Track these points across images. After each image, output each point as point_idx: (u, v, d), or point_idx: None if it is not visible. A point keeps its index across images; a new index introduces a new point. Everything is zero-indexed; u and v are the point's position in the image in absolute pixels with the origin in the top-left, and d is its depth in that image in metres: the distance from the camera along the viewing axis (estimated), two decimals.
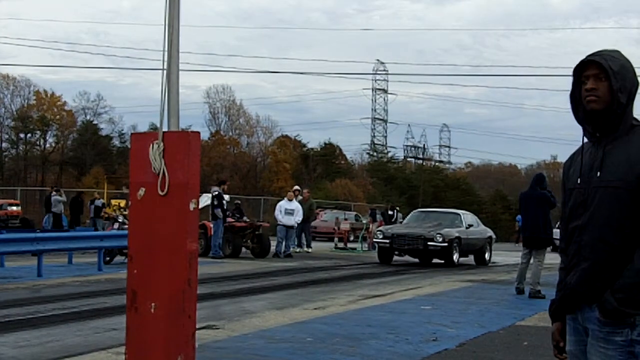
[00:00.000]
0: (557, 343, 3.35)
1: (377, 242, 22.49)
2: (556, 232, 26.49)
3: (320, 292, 13.94)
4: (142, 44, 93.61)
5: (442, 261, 21.75)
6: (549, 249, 15.00)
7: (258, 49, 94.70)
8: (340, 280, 16.54)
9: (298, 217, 24.15)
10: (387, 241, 21.83)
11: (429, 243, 21.16)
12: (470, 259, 23.73)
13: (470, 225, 22.94)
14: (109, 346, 8.00)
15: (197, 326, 5.32)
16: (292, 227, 23.81)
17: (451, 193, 67.83)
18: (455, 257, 21.72)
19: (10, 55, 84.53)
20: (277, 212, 24.11)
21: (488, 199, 73.08)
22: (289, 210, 23.88)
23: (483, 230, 24.24)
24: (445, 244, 21.14)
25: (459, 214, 23.81)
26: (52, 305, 11.42)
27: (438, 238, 21.14)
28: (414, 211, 25.91)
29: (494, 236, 24.65)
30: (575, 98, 3.23)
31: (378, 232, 22.65)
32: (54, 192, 30.62)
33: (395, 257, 22.73)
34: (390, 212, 36.26)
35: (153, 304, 5.25)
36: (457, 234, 21.81)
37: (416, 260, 22.59)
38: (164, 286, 5.22)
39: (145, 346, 5.30)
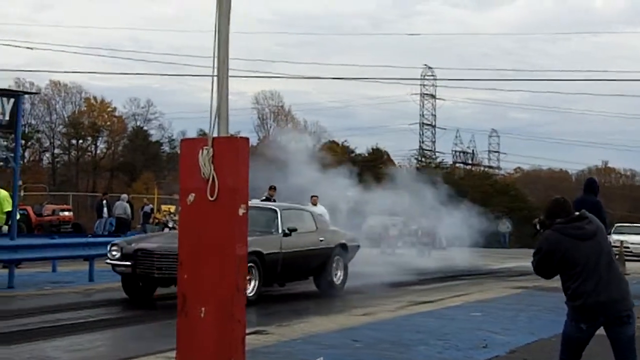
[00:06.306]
0: None
1: (113, 264, 12.84)
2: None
3: (367, 298, 13.88)
4: (184, 51, 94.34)
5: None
6: None
7: (301, 56, 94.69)
8: (389, 286, 16.43)
9: None
10: (129, 263, 12.51)
11: None
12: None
13: (292, 230, 13.64)
14: (159, 351, 8.05)
15: (246, 331, 5.33)
16: None
17: (500, 199, 67.14)
18: (253, 285, 12.29)
19: (55, 62, 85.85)
20: None
21: (539, 204, 72.15)
22: None
23: (329, 238, 14.91)
24: None
25: (275, 212, 14.01)
26: (104, 310, 11.56)
27: None
28: None
29: (351, 244, 15.53)
30: None
31: (113, 249, 12.81)
32: (122, 199, 31.07)
33: None
34: None
35: (203, 309, 5.28)
36: (257, 248, 12.40)
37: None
38: (214, 291, 5.25)
39: (195, 351, 5.33)
